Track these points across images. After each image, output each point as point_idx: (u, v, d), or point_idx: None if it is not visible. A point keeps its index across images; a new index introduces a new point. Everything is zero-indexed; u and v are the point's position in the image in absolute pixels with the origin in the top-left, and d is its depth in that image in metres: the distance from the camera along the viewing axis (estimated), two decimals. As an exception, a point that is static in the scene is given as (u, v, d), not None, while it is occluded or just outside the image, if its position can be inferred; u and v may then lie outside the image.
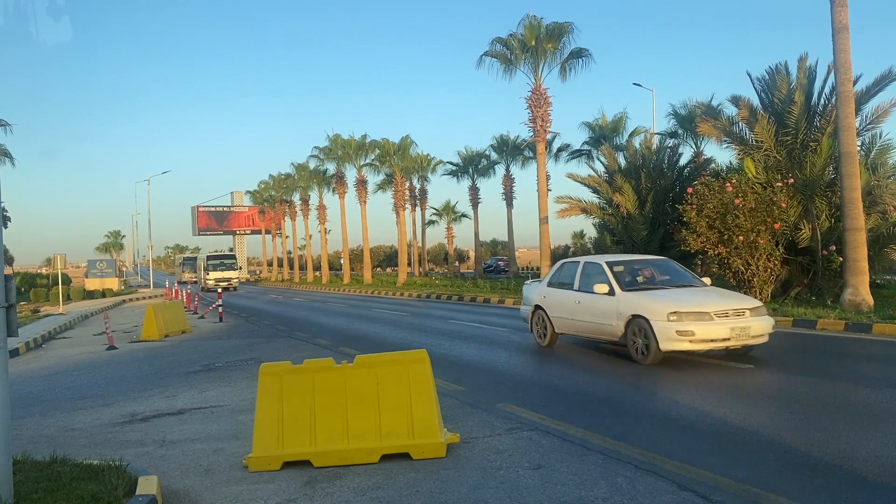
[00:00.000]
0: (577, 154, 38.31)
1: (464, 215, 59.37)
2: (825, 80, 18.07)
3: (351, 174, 49.29)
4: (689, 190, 17.53)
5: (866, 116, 18.05)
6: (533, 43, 25.74)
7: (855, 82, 17.65)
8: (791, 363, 10.02)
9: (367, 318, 20.40)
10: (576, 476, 5.04)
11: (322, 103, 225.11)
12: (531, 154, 45.25)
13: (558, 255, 77.24)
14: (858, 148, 17.81)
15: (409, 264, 56.66)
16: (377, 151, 45.71)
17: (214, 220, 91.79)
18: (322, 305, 28.61)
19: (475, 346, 12.94)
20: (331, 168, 52.04)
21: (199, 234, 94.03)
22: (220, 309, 21.76)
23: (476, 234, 53.08)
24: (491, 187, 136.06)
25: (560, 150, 44.73)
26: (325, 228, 58.81)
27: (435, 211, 61.86)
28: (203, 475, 5.57)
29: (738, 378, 8.75)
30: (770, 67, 18.86)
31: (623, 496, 4.59)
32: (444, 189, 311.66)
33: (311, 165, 55.26)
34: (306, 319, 21.12)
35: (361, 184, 47.18)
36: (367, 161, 46.90)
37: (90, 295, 43.77)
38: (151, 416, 8.06)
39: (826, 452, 5.41)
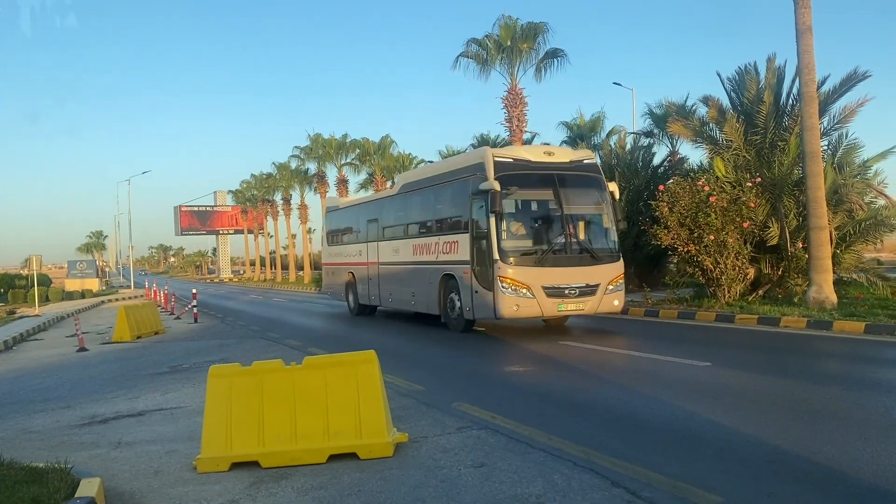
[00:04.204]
0: (555, 153, 38.51)
1: (445, 214, 59.56)
2: (793, 81, 18.30)
3: (332, 173, 49.28)
4: (661, 188, 17.74)
5: (834, 116, 18.27)
6: (508, 43, 25.83)
7: (822, 83, 17.94)
8: (749, 361, 10.20)
9: (342, 319, 20.43)
10: (515, 474, 5.14)
11: (304, 103, 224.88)
12: (511, 153, 45.44)
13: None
14: (825, 147, 18.10)
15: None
16: (357, 151, 45.73)
17: (197, 219, 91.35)
18: (300, 306, 28.61)
19: (442, 345, 13.02)
20: (312, 167, 51.99)
21: (182, 234, 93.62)
22: (195, 310, 21.72)
23: (458, 233, 53.22)
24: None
25: (540, 149, 45.04)
26: (308, 228, 58.71)
27: (417, 210, 61.99)
28: (152, 477, 5.62)
29: (694, 375, 8.90)
30: (740, 68, 19.08)
31: (556, 493, 4.70)
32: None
33: (293, 165, 55.14)
34: (281, 320, 21.14)
35: (342, 183, 47.16)
36: (348, 160, 46.90)
37: (69, 296, 43.51)
38: (111, 417, 8.09)
39: (764, 448, 5.56)
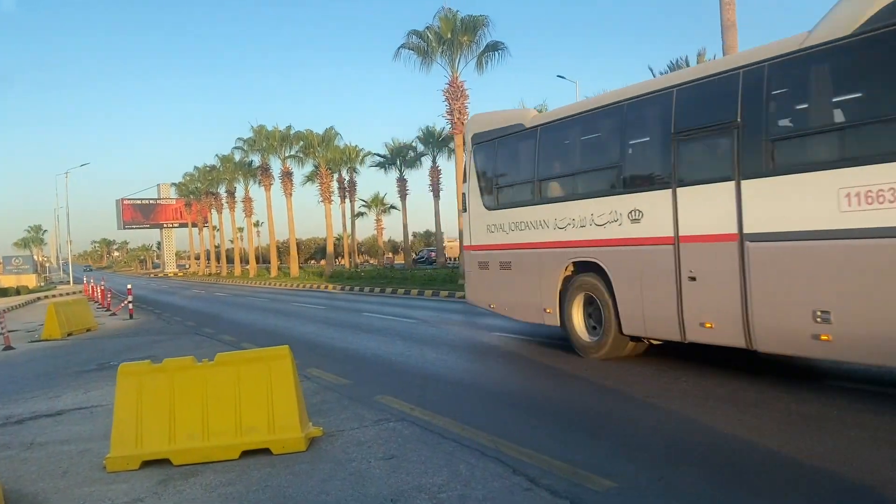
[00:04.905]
0: (500, 145, 38.83)
1: (393, 207, 59.59)
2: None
3: (277, 166, 48.80)
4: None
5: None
6: (449, 36, 25.95)
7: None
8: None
9: (282, 313, 20.31)
10: (423, 464, 5.25)
11: (249, 95, 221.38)
12: (454, 145, 45.65)
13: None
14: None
15: (341, 256, 56.42)
16: (301, 143, 45.27)
17: (140, 213, 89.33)
18: (241, 300, 28.32)
19: (378, 338, 13.07)
20: (256, 160, 51.38)
21: (125, 228, 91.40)
22: (131, 306, 21.31)
23: (405, 226, 53.22)
24: (420, 179, 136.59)
25: (485, 141, 45.33)
26: (252, 221, 58.06)
27: (364, 203, 61.80)
28: (60, 477, 5.55)
29: (613, 365, 9.12)
30: (671, 62, 19.57)
31: (459, 482, 4.82)
32: (375, 181, 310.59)
33: (237, 157, 54.46)
34: (220, 315, 20.90)
35: (287, 176, 46.71)
36: (292, 153, 46.42)
37: (4, 293, 42.11)
38: (28, 418, 7.92)
39: (666, 435, 5.77)
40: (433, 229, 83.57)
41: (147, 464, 5.63)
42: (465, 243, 11.97)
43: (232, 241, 68.54)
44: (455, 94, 26.73)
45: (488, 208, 11.12)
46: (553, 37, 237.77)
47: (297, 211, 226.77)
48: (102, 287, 29.81)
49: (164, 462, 5.64)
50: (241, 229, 65.10)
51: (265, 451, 5.73)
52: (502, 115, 11.24)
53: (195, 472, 5.45)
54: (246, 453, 5.70)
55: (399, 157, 51.74)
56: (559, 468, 4.98)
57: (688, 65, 18.97)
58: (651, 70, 19.73)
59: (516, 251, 10.53)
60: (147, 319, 20.23)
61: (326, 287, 33.83)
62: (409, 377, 9.19)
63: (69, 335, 16.45)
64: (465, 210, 11.75)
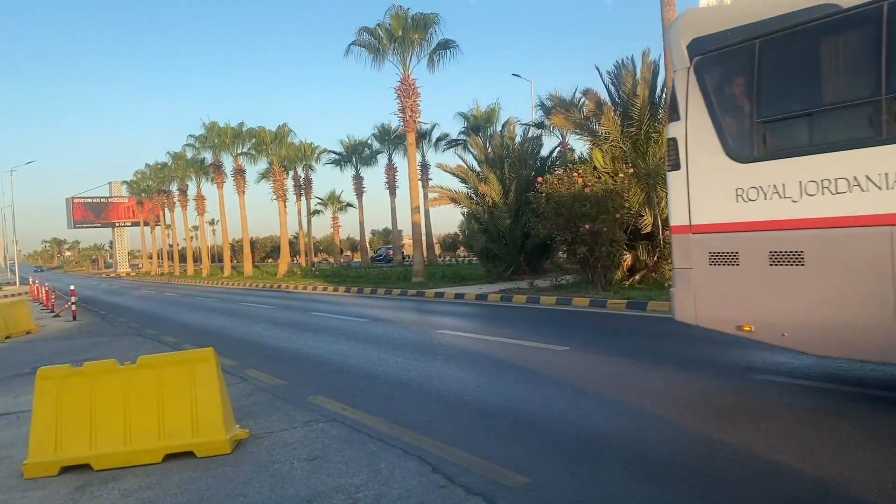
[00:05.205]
0: (454, 143, 39.00)
1: (350, 205, 59.25)
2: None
3: (230, 163, 48.15)
4: (539, 180, 18.27)
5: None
6: (400, 33, 25.94)
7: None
8: (605, 344, 10.69)
9: (230, 313, 20.10)
10: (345, 465, 5.27)
11: (205, 92, 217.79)
12: (412, 143, 45.65)
13: (447, 242, 78.26)
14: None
15: (298, 255, 55.92)
16: (254, 140, 44.73)
17: (91, 211, 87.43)
18: (190, 300, 27.92)
19: (322, 338, 13.03)
20: (209, 157, 50.63)
21: (76, 227, 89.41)
22: (73, 307, 20.85)
23: (361, 224, 53.12)
24: (377, 176, 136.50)
25: (440, 139, 45.43)
26: (207, 220, 57.25)
27: (320, 201, 61.35)
28: (-26, 485, 5.45)
29: (549, 358, 9.25)
30: (617, 62, 19.72)
31: (377, 481, 4.86)
32: (331, 178, 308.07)
33: (189, 154, 53.60)
34: (165, 316, 20.59)
35: (239, 173, 46.13)
36: (244, 150, 45.84)
37: (-57, 295, 40.81)
38: (-49, 425, 7.73)
39: (585, 430, 5.88)
40: (391, 227, 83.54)
41: (67, 469, 5.55)
42: (678, 222, 7.18)
43: (190, 239, 67.50)
44: (407, 91, 26.72)
45: (740, 159, 6.58)
46: (504, 36, 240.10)
47: (253, 209, 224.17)
48: (46, 288, 29.09)
49: (84, 468, 5.57)
50: (196, 228, 64.19)
51: (190, 455, 5.69)
52: (754, 3, 6.63)
53: (115, 477, 5.39)
54: (170, 457, 5.66)
55: (355, 155, 51.53)
56: (478, 465, 5.05)
57: (633, 67, 19.28)
58: (598, 69, 19.95)
59: (822, 232, 5.96)
60: (91, 321, 19.82)
61: (279, 286, 33.54)
62: (348, 377, 9.18)
63: (7, 338, 16.04)
64: (675, 167, 7.10)
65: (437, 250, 61.35)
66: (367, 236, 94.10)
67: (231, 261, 59.30)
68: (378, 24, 26.25)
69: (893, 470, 4.53)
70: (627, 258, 18.28)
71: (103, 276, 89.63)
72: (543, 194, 17.48)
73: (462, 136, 36.71)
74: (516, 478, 4.77)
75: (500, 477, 4.80)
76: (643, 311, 14.08)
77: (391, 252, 64.40)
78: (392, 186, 47.55)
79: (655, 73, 19.43)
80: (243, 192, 46.15)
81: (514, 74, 74.08)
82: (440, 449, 5.48)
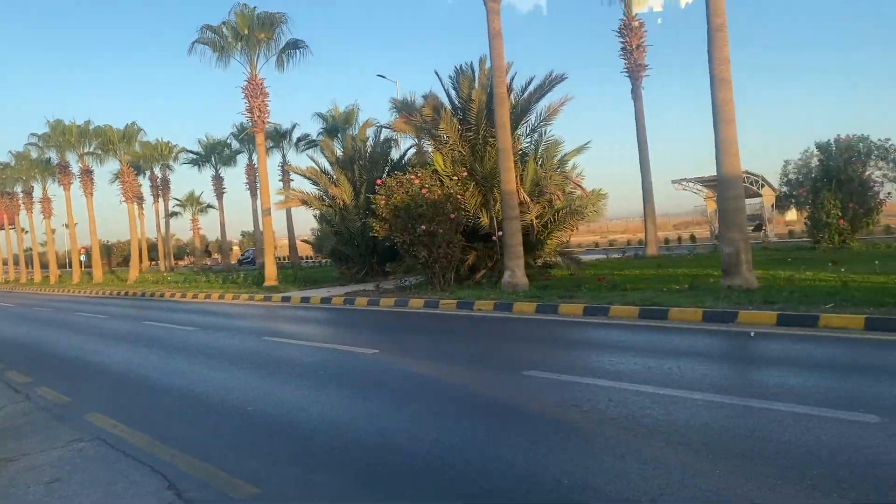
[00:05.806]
0: (313, 144, 38.63)
1: (210, 206, 57.36)
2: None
3: (77, 163, 45.36)
4: (379, 182, 18.43)
5: (540, 114, 19.98)
6: (246, 32, 25.38)
7: (528, 84, 19.66)
8: (415, 346, 10.92)
9: (56, 324, 18.95)
10: (82, 486, 5.13)
11: (51, 90, 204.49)
12: (272, 143, 44.76)
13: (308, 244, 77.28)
14: (529, 144, 19.93)
15: (156, 259, 53.45)
16: (100, 139, 42.35)
17: (-74, 215, 79.77)
18: (21, 311, 26.10)
19: (138, 350, 12.51)
20: (54, 157, 47.43)
21: None
22: None
23: (222, 225, 51.60)
24: (237, 177, 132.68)
25: (300, 139, 44.84)
26: (51, 224, 53.67)
27: (179, 202, 59.03)
28: None
29: (356, 364, 9.34)
30: (457, 67, 20.19)
31: (109, 501, 4.76)
32: (191, 179, 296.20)
33: (33, 154, 49.95)
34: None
35: (86, 174, 43.50)
36: (90, 150, 43.31)
37: None
38: None
39: (345, 437, 5.99)
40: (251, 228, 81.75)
41: None
42: None
43: (44, 245, 62.99)
44: (254, 91, 26.15)
45: None
46: (363, 39, 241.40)
47: (109, 211, 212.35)
48: None
49: None
50: (53, 231, 60.00)
51: (-78, 484, 5.35)
52: None
53: None
54: None
55: (214, 154, 49.95)
56: (217, 479, 5.04)
57: (473, 72, 19.76)
58: (437, 74, 20.30)
59: None
60: None
61: (128, 293, 31.96)
62: (142, 391, 8.86)
63: None
64: None
65: (309, 251, 60.33)
66: (236, 238, 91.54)
67: (85, 266, 55.99)
68: (223, 22, 25.53)
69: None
70: (470, 258, 18.74)
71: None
72: (383, 196, 17.63)
73: (321, 137, 36.42)
74: (249, 489, 4.80)
75: (231, 489, 4.82)
76: (470, 310, 14.50)
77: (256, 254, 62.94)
78: (252, 187, 46.40)
79: (493, 80, 20.00)
80: (91, 194, 43.55)
81: (378, 75, 74.19)
82: (189, 464, 5.43)
